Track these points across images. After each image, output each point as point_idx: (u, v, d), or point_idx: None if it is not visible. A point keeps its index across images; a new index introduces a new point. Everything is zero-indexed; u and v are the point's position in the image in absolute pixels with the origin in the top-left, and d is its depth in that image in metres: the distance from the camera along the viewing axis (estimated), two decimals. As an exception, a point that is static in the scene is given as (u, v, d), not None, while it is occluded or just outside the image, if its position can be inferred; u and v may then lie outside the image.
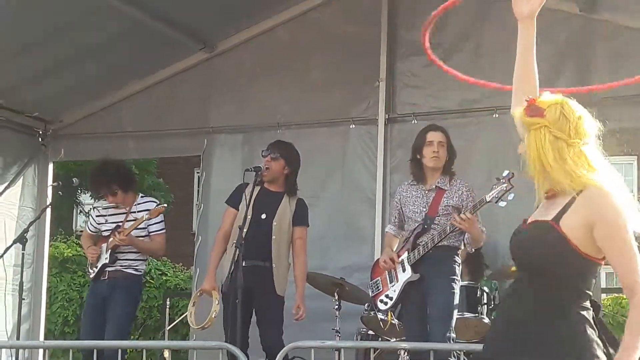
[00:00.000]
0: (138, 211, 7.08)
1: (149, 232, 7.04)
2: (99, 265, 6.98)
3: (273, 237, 6.38)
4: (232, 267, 5.95)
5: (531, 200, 7.80)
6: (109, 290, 6.91)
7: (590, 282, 3.01)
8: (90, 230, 7.28)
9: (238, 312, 5.76)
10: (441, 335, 5.54)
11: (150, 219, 6.98)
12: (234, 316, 5.86)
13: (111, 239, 6.93)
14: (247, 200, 6.24)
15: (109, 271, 6.94)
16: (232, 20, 8.62)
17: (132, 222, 6.95)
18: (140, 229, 6.98)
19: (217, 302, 6.28)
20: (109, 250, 6.92)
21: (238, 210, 6.48)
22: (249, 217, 6.28)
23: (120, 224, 7.03)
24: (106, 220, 7.16)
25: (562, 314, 2.95)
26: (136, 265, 7.04)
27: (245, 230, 6.09)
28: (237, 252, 5.89)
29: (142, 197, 7.29)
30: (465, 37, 8.05)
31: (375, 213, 8.06)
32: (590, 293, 3.04)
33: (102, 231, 7.13)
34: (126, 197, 7.14)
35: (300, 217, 6.56)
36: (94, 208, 7.46)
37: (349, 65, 8.44)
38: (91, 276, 7.10)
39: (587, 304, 2.99)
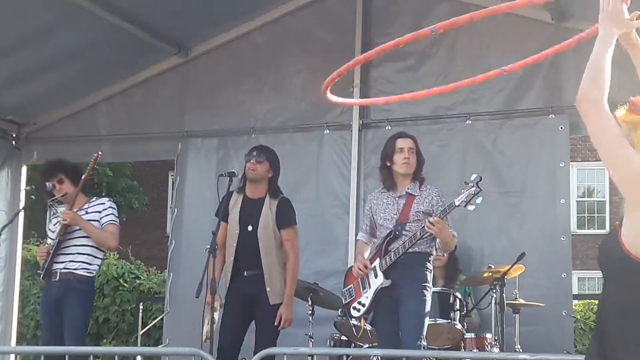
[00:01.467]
0: (92, 206, 6.98)
1: (102, 224, 6.94)
2: (49, 258, 6.86)
3: (260, 246, 6.41)
4: (205, 274, 5.92)
5: (502, 204, 7.93)
6: (61, 292, 6.78)
7: None
8: (51, 238, 7.13)
9: (211, 314, 5.79)
10: (412, 341, 5.55)
11: (90, 173, 6.96)
12: (228, 324, 6.10)
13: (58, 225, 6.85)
14: (225, 210, 6.36)
15: (60, 272, 6.85)
16: (207, 24, 8.61)
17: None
18: (94, 221, 6.89)
19: (215, 313, 6.24)
20: (57, 237, 6.82)
21: (227, 222, 6.52)
22: (237, 231, 6.41)
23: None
24: (59, 223, 7.03)
25: None
26: (88, 267, 6.89)
27: (235, 244, 6.35)
28: (209, 257, 5.91)
29: (96, 198, 7.23)
30: (439, 42, 8.09)
31: (349, 218, 8.08)
32: None
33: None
34: (77, 196, 7.00)
35: (284, 218, 6.54)
36: (52, 219, 7.36)
37: (324, 70, 8.36)
38: (42, 276, 6.96)
39: None
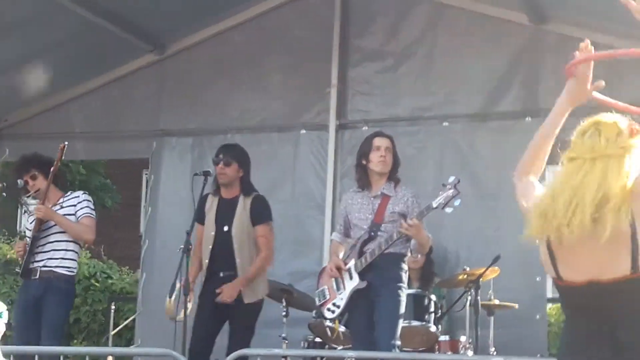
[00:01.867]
0: (66, 200, 6.89)
1: (77, 217, 6.85)
2: (25, 255, 6.79)
3: (235, 246, 6.37)
4: (178, 273, 5.90)
5: (478, 207, 7.93)
6: (41, 290, 6.71)
7: None
8: (27, 236, 7.05)
9: (185, 316, 5.76)
10: (386, 342, 5.54)
11: (57, 166, 6.83)
12: (200, 323, 6.07)
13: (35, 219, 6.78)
14: (207, 212, 6.37)
15: (40, 270, 6.77)
16: (184, 22, 8.56)
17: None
18: (69, 215, 6.82)
19: (189, 300, 6.19)
20: (33, 233, 6.75)
21: (204, 225, 6.50)
22: (212, 233, 6.38)
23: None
24: (34, 218, 6.94)
25: None
26: (67, 265, 6.81)
27: (210, 246, 6.33)
28: (183, 256, 5.89)
29: (71, 192, 7.09)
30: (418, 42, 8.09)
31: (325, 219, 8.06)
32: None
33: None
34: (50, 189, 6.93)
35: (258, 215, 6.50)
36: (28, 216, 7.26)
37: (301, 70, 8.44)
38: (20, 271, 6.88)
39: None
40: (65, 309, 6.93)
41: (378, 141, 6.00)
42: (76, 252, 6.96)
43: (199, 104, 8.71)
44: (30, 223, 6.97)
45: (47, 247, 6.80)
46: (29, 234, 6.98)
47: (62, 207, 6.86)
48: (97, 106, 9.06)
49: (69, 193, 7.04)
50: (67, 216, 6.84)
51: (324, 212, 8.08)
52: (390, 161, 5.95)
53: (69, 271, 6.82)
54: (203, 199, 6.37)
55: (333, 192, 8.11)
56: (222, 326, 6.41)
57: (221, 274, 6.32)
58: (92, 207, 6.99)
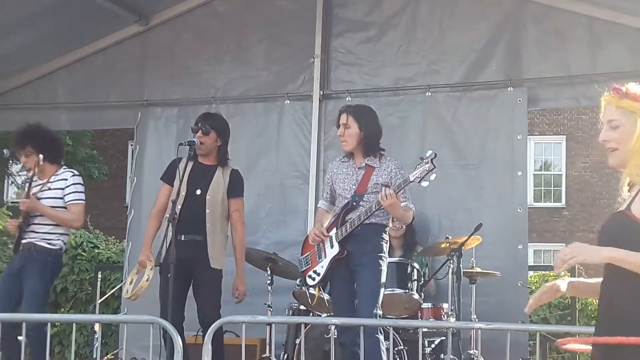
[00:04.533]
0: (56, 181, 6.83)
1: (65, 203, 6.79)
2: (17, 234, 6.81)
3: (207, 211, 6.33)
4: (164, 241, 5.89)
5: (460, 176, 7.98)
6: (22, 262, 6.71)
7: None
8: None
9: (170, 286, 5.73)
10: (367, 311, 5.56)
11: (58, 171, 6.81)
12: (166, 290, 5.81)
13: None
14: (181, 176, 6.19)
15: (23, 243, 6.75)
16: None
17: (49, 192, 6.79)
18: (57, 198, 6.78)
19: (150, 268, 6.20)
20: (22, 219, 6.76)
21: (173, 186, 6.41)
22: (183, 193, 6.23)
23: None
24: (26, 192, 6.91)
25: None
26: (50, 239, 6.76)
27: (179, 206, 6.08)
28: (169, 226, 5.87)
29: (64, 168, 7.00)
30: (401, 13, 8.08)
31: (309, 189, 8.07)
32: None
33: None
34: (45, 166, 6.92)
35: (235, 188, 6.50)
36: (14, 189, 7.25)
37: (285, 40, 8.42)
38: (13, 248, 6.91)
39: None
40: (44, 280, 6.80)
41: (340, 119, 5.98)
42: (63, 232, 6.87)
43: (184, 74, 8.67)
44: (14, 194, 6.96)
45: (34, 225, 6.78)
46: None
47: (49, 189, 6.78)
48: (81, 77, 9.02)
49: (61, 170, 6.96)
50: (54, 199, 6.76)
51: (308, 181, 8.08)
52: (349, 138, 5.89)
53: (50, 244, 6.76)
54: (176, 160, 6.33)
55: (317, 163, 8.11)
56: (188, 289, 6.33)
57: (183, 237, 6.11)
58: (81, 189, 6.88)
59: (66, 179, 6.83)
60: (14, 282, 6.73)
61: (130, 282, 6.45)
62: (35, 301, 6.65)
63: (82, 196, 6.87)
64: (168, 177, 6.52)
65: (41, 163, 6.78)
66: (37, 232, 6.75)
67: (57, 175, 6.86)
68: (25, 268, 6.69)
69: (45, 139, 6.95)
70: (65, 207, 6.80)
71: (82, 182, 6.96)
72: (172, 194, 6.27)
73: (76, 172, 6.98)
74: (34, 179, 6.85)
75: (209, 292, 6.28)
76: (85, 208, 6.90)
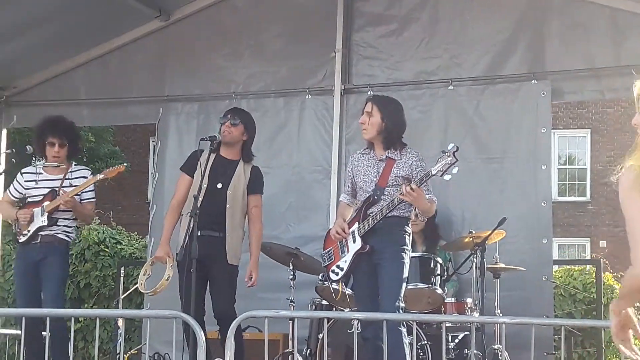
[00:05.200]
0: (74, 178, 6.95)
1: (81, 200, 6.93)
2: (32, 228, 6.83)
3: (227, 206, 6.34)
4: (186, 236, 5.91)
5: (483, 169, 7.96)
6: (42, 254, 6.79)
7: None
8: (13, 196, 7.06)
9: (192, 282, 5.75)
10: (390, 305, 5.54)
11: (107, 179, 6.99)
12: (188, 286, 5.86)
13: (47, 203, 6.81)
14: (203, 169, 6.20)
15: (41, 235, 6.81)
16: (189, -12, 8.54)
17: (72, 188, 6.84)
18: (76, 195, 6.86)
19: (170, 266, 6.22)
20: (46, 213, 6.80)
21: (193, 177, 6.41)
22: (205, 186, 6.23)
23: (56, 189, 6.89)
24: (36, 184, 6.97)
25: None
26: (68, 231, 6.93)
27: (200, 199, 6.06)
28: (192, 221, 5.88)
29: (75, 165, 7.16)
30: (423, 6, 8.05)
31: (331, 183, 8.06)
32: None
33: (30, 196, 6.97)
34: (65, 161, 7.02)
35: (256, 185, 6.52)
36: (22, 173, 7.23)
37: (306, 35, 8.41)
38: (21, 240, 6.92)
39: None
40: (65, 270, 7.04)
41: (366, 106, 5.97)
42: (76, 225, 7.13)
43: (204, 69, 8.69)
44: (27, 189, 6.97)
45: (53, 218, 6.85)
46: (18, 188, 7.05)
47: (70, 185, 6.88)
48: (102, 73, 9.06)
49: (74, 166, 7.06)
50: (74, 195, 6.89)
51: (330, 176, 8.08)
52: (369, 127, 5.88)
53: (67, 237, 6.94)
54: (197, 152, 6.33)
55: (339, 157, 8.10)
56: (206, 286, 6.35)
57: (200, 233, 6.03)
58: (94, 188, 7.05)
59: (85, 177, 6.97)
60: (34, 275, 6.82)
61: (144, 274, 6.47)
62: (58, 293, 6.79)
63: (95, 195, 7.09)
64: (188, 168, 6.52)
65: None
66: (58, 225, 6.87)
67: (74, 172, 6.96)
68: (46, 260, 6.79)
69: (79, 136, 7.19)
70: (80, 204, 6.96)
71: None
72: (192, 188, 6.29)
73: (92, 171, 7.18)
74: (64, 184, 6.96)
75: (224, 287, 6.30)
76: (99, 201, 7.21)
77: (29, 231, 6.85)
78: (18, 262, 7.12)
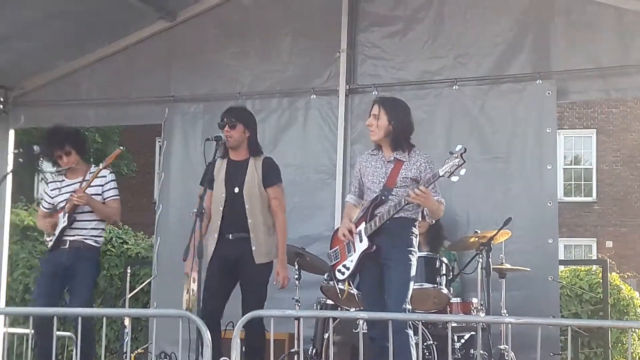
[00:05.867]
0: (92, 185, 6.92)
1: (104, 199, 6.95)
2: (57, 231, 6.88)
3: (246, 206, 6.35)
4: (192, 237, 5.89)
5: (488, 169, 7.93)
6: (71, 259, 6.83)
7: None
8: (45, 208, 7.10)
9: (197, 281, 5.77)
10: (397, 306, 5.52)
11: (107, 166, 6.97)
12: (210, 286, 6.03)
13: (67, 204, 6.85)
14: (219, 178, 6.35)
15: (69, 240, 6.86)
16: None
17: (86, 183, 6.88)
18: (95, 194, 6.89)
19: (193, 281, 6.19)
20: (67, 213, 6.84)
21: (212, 189, 6.45)
22: (224, 195, 6.34)
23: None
24: (60, 192, 7.01)
25: None
26: (95, 236, 6.95)
27: (221, 207, 6.28)
28: (197, 220, 5.88)
29: (94, 166, 7.17)
30: (427, 6, 8.05)
31: (336, 184, 8.06)
32: None
33: (57, 203, 7.00)
34: (80, 163, 7.04)
35: (270, 176, 6.47)
36: (47, 183, 7.32)
37: (311, 35, 8.40)
38: (49, 245, 6.98)
39: None
40: (93, 278, 7.04)
41: (373, 108, 5.94)
42: (102, 227, 7.08)
43: (210, 69, 8.69)
44: (53, 192, 7.01)
45: (80, 222, 6.88)
46: (48, 200, 7.06)
47: (90, 186, 6.89)
48: (108, 73, 9.06)
49: (93, 167, 7.08)
50: (95, 195, 6.90)
51: (334, 176, 8.07)
52: (376, 129, 5.86)
53: (95, 242, 6.96)
54: (211, 164, 6.36)
55: (344, 157, 8.10)
56: (234, 287, 6.37)
57: (230, 237, 6.27)
58: (117, 185, 7.07)
59: (105, 176, 7.01)
60: (60, 279, 6.85)
61: (187, 292, 6.43)
62: (85, 299, 6.78)
63: (118, 192, 7.07)
64: (207, 181, 6.51)
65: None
66: (85, 229, 6.90)
67: (93, 172, 6.96)
68: (75, 265, 6.82)
69: (80, 138, 7.15)
70: (103, 202, 6.96)
71: (116, 179, 7.13)
72: (214, 200, 6.37)
73: (112, 170, 7.15)
74: (65, 178, 6.98)
75: (251, 288, 6.30)
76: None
77: (54, 234, 6.89)
78: (46, 264, 7.13)
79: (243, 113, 6.59)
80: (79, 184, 6.94)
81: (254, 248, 6.29)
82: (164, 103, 8.76)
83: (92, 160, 16.83)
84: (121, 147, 7.19)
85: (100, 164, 7.00)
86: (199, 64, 8.72)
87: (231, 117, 6.44)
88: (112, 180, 7.02)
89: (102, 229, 7.08)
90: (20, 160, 8.61)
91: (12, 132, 9.32)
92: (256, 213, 6.36)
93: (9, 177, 8.83)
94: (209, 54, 8.71)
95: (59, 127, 7.23)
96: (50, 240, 6.94)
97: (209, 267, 6.25)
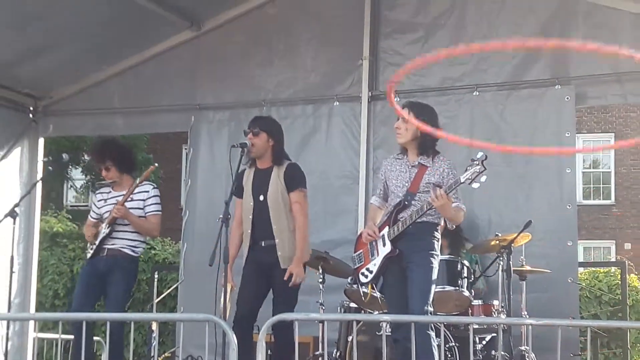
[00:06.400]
0: (137, 192, 6.96)
1: (146, 213, 6.98)
2: (97, 241, 6.92)
3: (271, 213, 6.36)
4: (218, 243, 5.89)
5: (509, 174, 7.88)
6: (108, 267, 6.87)
7: None
8: (93, 218, 7.14)
9: (217, 285, 5.80)
10: (419, 309, 5.51)
11: (144, 180, 6.97)
12: (244, 290, 6.15)
13: (109, 216, 6.90)
14: (244, 185, 6.40)
15: (107, 249, 6.89)
16: (219, -2, 8.57)
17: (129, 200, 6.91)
18: (137, 208, 6.93)
19: (230, 291, 6.19)
20: (108, 225, 6.88)
21: (242, 198, 6.49)
22: (251, 204, 6.37)
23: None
24: (105, 203, 7.05)
25: None
26: (133, 246, 6.97)
27: (251, 216, 6.33)
28: (223, 226, 5.90)
29: (141, 183, 7.07)
30: (448, 13, 8.04)
31: (359, 189, 8.06)
32: None
33: (103, 214, 7.04)
34: (122, 177, 7.06)
35: (292, 182, 6.43)
36: (95, 194, 7.37)
37: (334, 42, 8.41)
38: (89, 255, 7.03)
39: None
40: (129, 286, 7.10)
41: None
42: (142, 240, 7.09)
43: (235, 77, 8.71)
44: (99, 202, 7.07)
45: (119, 233, 6.93)
46: (96, 210, 7.09)
47: (132, 200, 6.93)
48: (136, 82, 9.11)
49: (138, 183, 7.02)
50: (136, 209, 6.93)
51: (358, 181, 8.07)
52: (405, 132, 5.84)
53: (133, 252, 6.98)
54: (240, 174, 6.38)
55: (366, 163, 8.10)
56: (267, 292, 6.36)
57: (263, 244, 6.31)
58: (159, 201, 7.08)
59: (148, 191, 7.03)
60: (96, 284, 6.90)
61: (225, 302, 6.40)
62: (119, 306, 6.86)
63: (160, 207, 7.09)
64: (237, 191, 6.51)
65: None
66: (123, 239, 6.94)
67: (138, 186, 6.97)
68: (111, 273, 6.86)
69: (120, 154, 7.15)
70: (144, 217, 6.99)
71: (159, 194, 7.14)
72: (244, 209, 6.42)
73: (155, 185, 7.19)
74: (112, 190, 7.05)
75: (280, 293, 6.31)
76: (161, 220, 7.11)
77: (95, 244, 6.94)
78: (85, 270, 7.18)
79: (267, 122, 6.59)
80: (122, 196, 6.97)
81: (279, 253, 6.30)
82: (190, 111, 8.79)
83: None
84: (156, 164, 7.19)
85: (137, 180, 6.98)
86: (224, 72, 8.75)
87: (255, 126, 6.45)
88: (154, 196, 7.03)
89: (142, 240, 7.09)
90: (50, 168, 8.67)
91: (41, 141, 9.38)
92: (280, 219, 6.36)
93: (39, 185, 8.89)
94: (234, 62, 8.73)
95: (103, 141, 7.29)
96: (91, 249, 6.99)
97: (244, 272, 6.33)
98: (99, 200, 7.14)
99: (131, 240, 6.98)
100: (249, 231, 6.39)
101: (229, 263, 6.16)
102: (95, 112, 9.19)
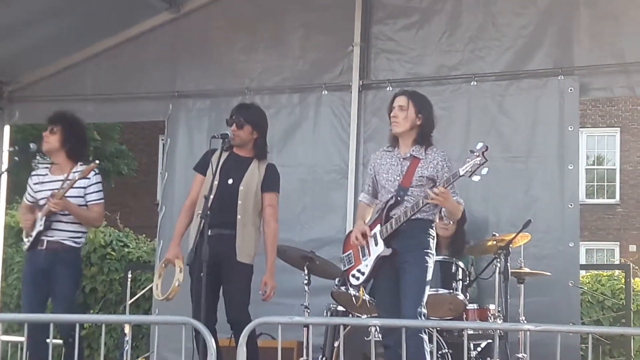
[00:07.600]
0: (74, 187, 6.80)
1: (87, 202, 6.86)
2: (34, 233, 6.82)
3: (239, 202, 6.29)
4: (197, 238, 5.90)
5: (507, 169, 7.91)
6: (49, 263, 6.74)
7: None
8: (28, 200, 7.03)
9: (203, 286, 5.74)
10: (412, 310, 5.52)
11: (83, 178, 6.77)
12: (198, 290, 5.85)
13: (46, 205, 6.83)
14: (214, 167, 6.18)
15: (47, 241, 6.77)
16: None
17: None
18: (77, 197, 6.82)
19: (179, 271, 6.22)
20: (44, 217, 6.79)
21: (206, 176, 6.42)
22: (216, 183, 6.18)
23: (57, 190, 6.80)
24: (42, 187, 6.93)
25: None
26: (75, 237, 6.86)
27: (211, 197, 6.02)
28: (203, 223, 5.86)
29: (80, 164, 6.98)
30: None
31: (348, 183, 8.06)
32: None
33: (39, 199, 6.92)
34: (63, 156, 6.91)
35: (270, 182, 6.44)
36: (31, 176, 7.23)
37: (322, 28, 8.41)
38: (25, 247, 6.91)
39: None
40: (76, 281, 7.02)
41: (395, 100, 5.93)
42: (86, 230, 7.03)
43: (217, 63, 8.70)
44: (36, 185, 6.96)
45: (59, 223, 6.81)
46: (31, 193, 6.97)
47: (71, 187, 6.79)
48: (109, 67, 9.08)
49: (79, 166, 6.93)
50: (76, 197, 6.80)
51: (347, 176, 8.07)
52: (403, 121, 5.85)
53: (75, 243, 6.87)
54: (210, 152, 6.33)
55: (356, 156, 8.10)
56: (219, 290, 6.30)
57: (210, 232, 5.96)
58: (101, 188, 6.97)
59: (89, 178, 6.86)
60: (41, 283, 6.78)
61: (159, 277, 6.46)
62: (68, 305, 6.75)
63: (102, 195, 6.97)
64: (201, 167, 6.47)
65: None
66: (64, 231, 6.81)
67: (77, 172, 6.87)
68: (54, 269, 6.74)
69: (76, 128, 7.04)
70: (85, 206, 6.87)
71: (101, 180, 7.03)
72: (204, 188, 6.27)
73: (97, 171, 6.99)
74: (64, 185, 6.90)
75: (236, 288, 6.24)
76: (107, 201, 7.03)
77: (31, 236, 6.86)
78: (26, 268, 7.07)
79: (254, 113, 6.55)
80: (61, 182, 6.82)
81: (238, 245, 6.22)
82: (167, 99, 8.77)
83: (90, 158, 16.86)
84: (96, 161, 7.00)
85: (76, 174, 6.80)
86: (205, 57, 8.73)
87: (240, 117, 6.41)
88: (96, 183, 6.89)
89: (84, 231, 6.98)
90: (16, 158, 8.60)
91: (7, 129, 9.33)
92: (247, 212, 6.29)
93: (4, 176, 8.85)
94: (216, 47, 8.72)
95: (64, 111, 7.14)
96: (28, 241, 6.86)
97: (190, 267, 6.11)
98: (35, 184, 6.98)
99: (72, 231, 6.83)
100: (199, 212, 6.12)
101: (177, 241, 6.32)
102: (66, 98, 9.10)
